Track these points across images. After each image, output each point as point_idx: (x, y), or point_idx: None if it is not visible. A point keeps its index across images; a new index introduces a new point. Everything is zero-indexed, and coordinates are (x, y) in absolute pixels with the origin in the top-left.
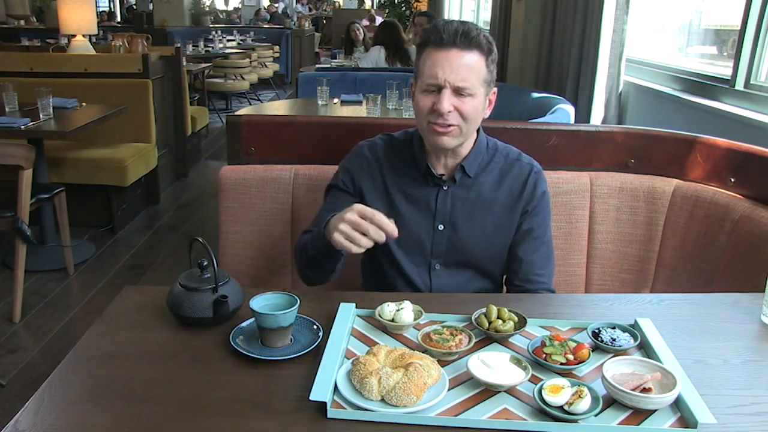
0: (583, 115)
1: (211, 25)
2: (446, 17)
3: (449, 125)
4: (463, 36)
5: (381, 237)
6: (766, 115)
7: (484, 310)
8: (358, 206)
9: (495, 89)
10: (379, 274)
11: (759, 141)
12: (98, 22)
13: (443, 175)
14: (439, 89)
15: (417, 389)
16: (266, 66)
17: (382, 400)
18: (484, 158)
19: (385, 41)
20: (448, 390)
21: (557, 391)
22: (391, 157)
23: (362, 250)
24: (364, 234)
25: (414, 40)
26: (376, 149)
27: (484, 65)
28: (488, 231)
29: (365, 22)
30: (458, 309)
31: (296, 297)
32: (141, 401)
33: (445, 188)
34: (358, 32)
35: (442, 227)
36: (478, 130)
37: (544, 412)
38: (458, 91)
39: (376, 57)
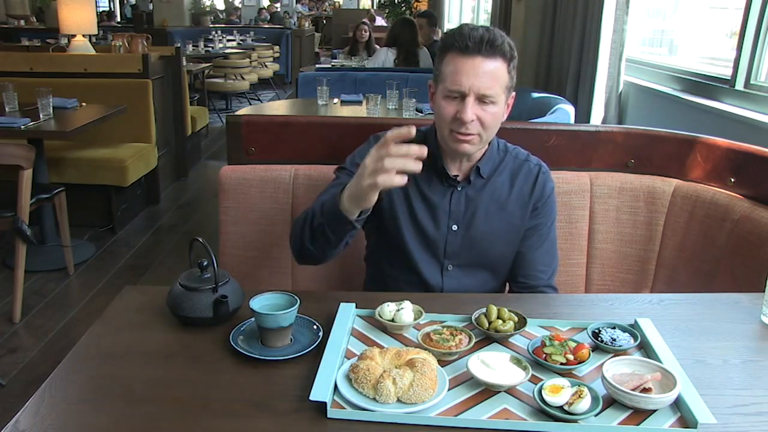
0: (583, 115)
1: (211, 25)
2: (446, 17)
3: (470, 134)
4: (489, 44)
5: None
6: (766, 115)
7: (484, 310)
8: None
9: (513, 93)
10: (389, 272)
11: (759, 141)
12: (98, 22)
13: (457, 176)
14: (462, 97)
15: (432, 383)
16: (266, 66)
17: (398, 400)
18: (496, 159)
19: (400, 40)
20: (448, 390)
21: (557, 391)
22: None
23: (404, 181)
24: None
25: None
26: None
27: (506, 72)
28: (501, 231)
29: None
30: (458, 309)
31: (296, 297)
32: (141, 401)
33: (459, 189)
34: (364, 33)
35: (456, 227)
36: None
37: (544, 412)
38: (481, 99)
39: (383, 59)
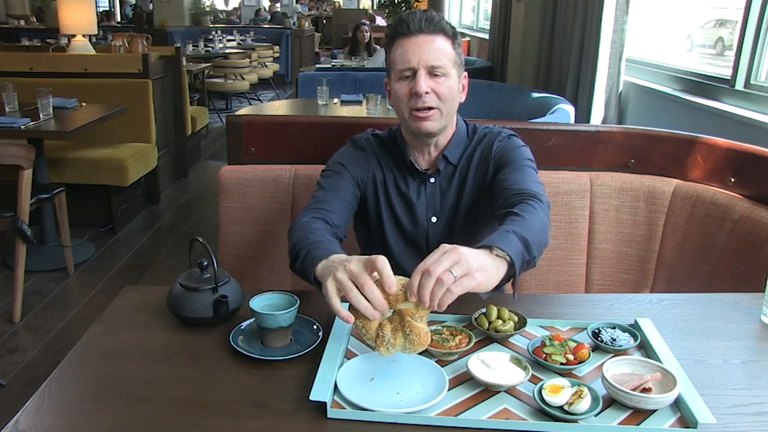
0: (583, 115)
1: (211, 25)
2: (446, 17)
3: (429, 108)
4: (428, 21)
5: (379, 305)
6: (766, 115)
7: (484, 310)
8: (364, 258)
9: (466, 73)
10: None
11: (759, 141)
12: (98, 22)
13: (428, 169)
14: (414, 73)
15: (421, 343)
16: (266, 66)
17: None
18: (465, 143)
19: None
20: (448, 390)
21: (557, 391)
22: (383, 153)
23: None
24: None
25: None
26: (372, 145)
27: (452, 47)
28: (482, 213)
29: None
30: (458, 309)
31: (296, 297)
32: (141, 401)
33: (431, 181)
34: (365, 34)
35: (435, 219)
36: (457, 119)
37: (544, 412)
38: (432, 72)
39: (383, 59)
